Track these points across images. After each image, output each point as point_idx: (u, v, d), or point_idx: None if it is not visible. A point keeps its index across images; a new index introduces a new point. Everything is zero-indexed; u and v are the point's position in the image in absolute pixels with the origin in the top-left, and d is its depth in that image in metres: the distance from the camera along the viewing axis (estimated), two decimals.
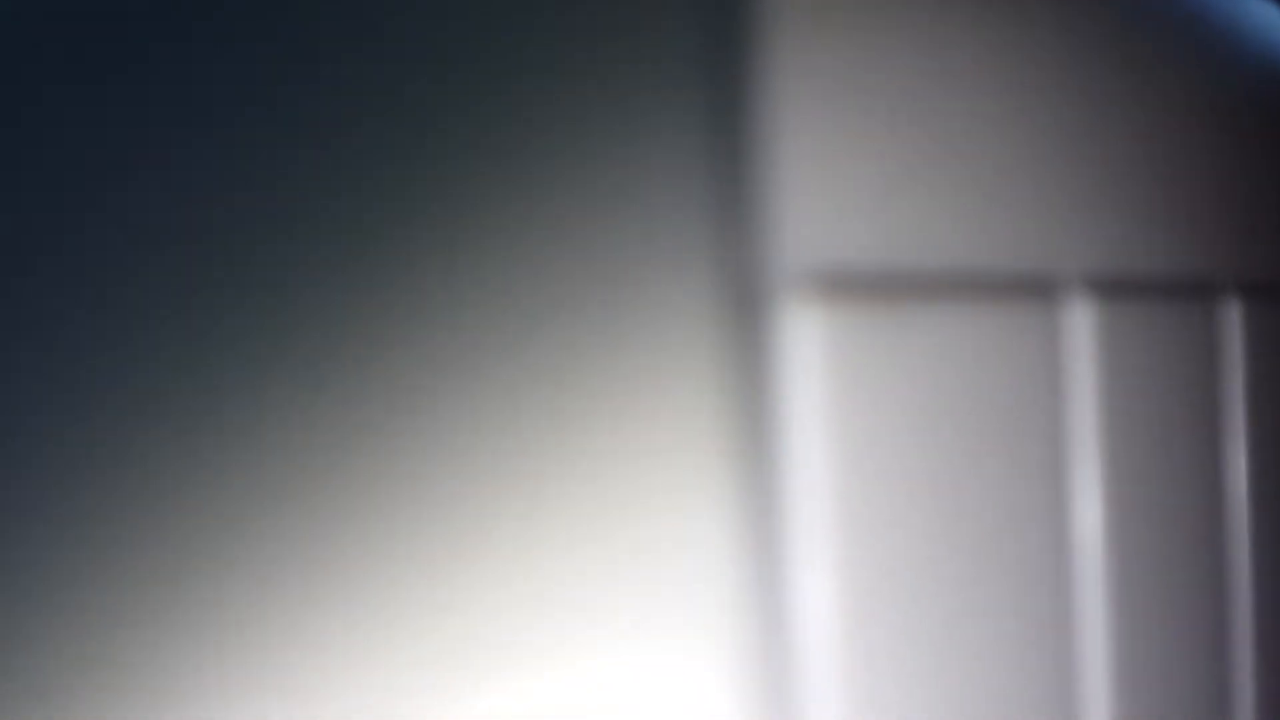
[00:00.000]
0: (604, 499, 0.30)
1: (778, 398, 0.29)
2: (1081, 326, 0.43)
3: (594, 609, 0.30)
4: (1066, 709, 0.42)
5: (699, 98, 0.29)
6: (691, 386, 0.29)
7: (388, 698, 0.30)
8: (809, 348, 0.30)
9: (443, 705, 0.30)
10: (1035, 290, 0.40)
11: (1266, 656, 0.58)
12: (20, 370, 0.31)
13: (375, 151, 0.30)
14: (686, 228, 0.29)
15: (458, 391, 0.30)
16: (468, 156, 0.30)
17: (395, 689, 0.30)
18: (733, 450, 0.29)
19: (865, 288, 0.32)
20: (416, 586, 0.30)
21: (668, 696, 0.29)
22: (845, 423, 0.31)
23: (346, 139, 0.30)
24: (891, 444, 0.33)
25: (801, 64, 0.30)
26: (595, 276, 0.29)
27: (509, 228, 0.30)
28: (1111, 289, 0.45)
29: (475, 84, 0.30)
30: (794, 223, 0.29)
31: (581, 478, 0.30)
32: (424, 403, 0.30)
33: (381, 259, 0.30)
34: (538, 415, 0.30)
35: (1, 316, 0.30)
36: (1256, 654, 0.57)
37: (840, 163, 0.31)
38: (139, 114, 0.30)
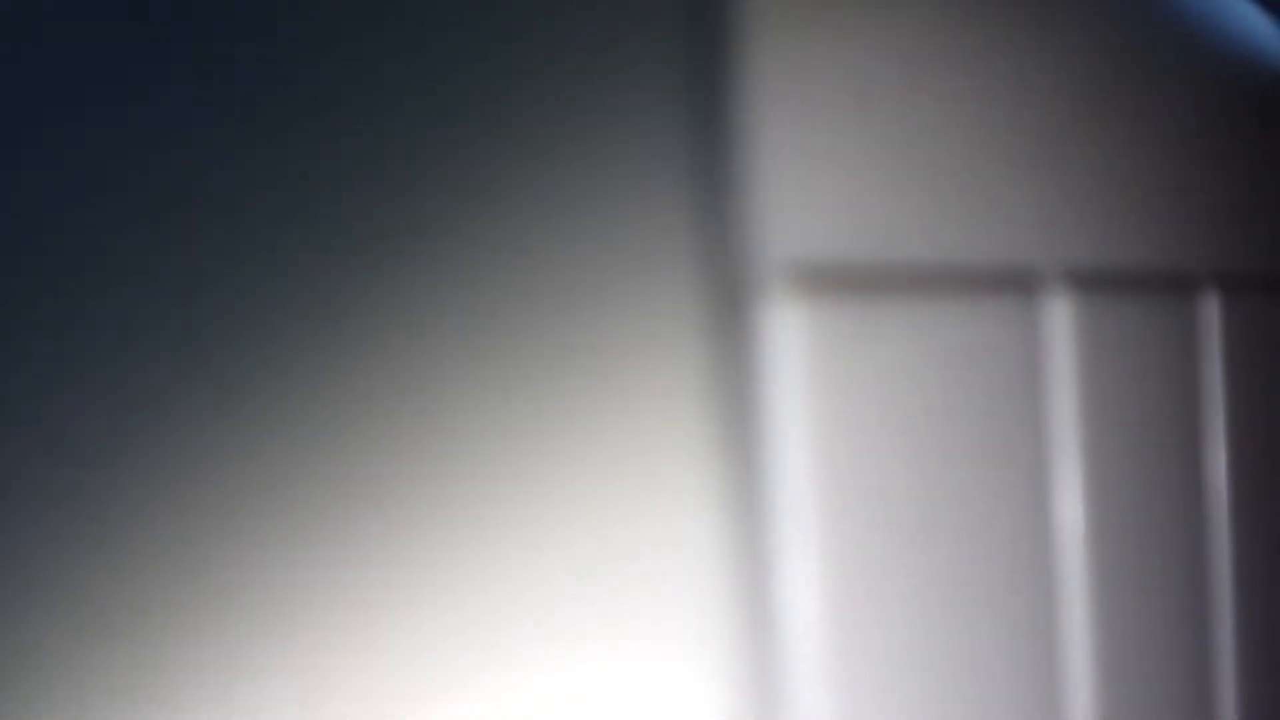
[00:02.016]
0: (586, 496, 0.30)
1: (760, 392, 0.29)
2: (1061, 320, 0.43)
3: (577, 607, 0.30)
4: (1050, 700, 0.42)
5: (679, 93, 0.29)
6: (674, 382, 0.29)
7: (379, 698, 0.30)
8: (791, 342, 0.30)
9: (432, 706, 0.30)
10: (1016, 284, 0.40)
11: (1247, 648, 0.59)
12: (22, 370, 0.31)
13: (365, 151, 0.30)
14: (668, 223, 0.29)
15: (440, 390, 0.30)
16: (448, 154, 0.30)
17: (385, 690, 0.30)
18: (716, 445, 0.29)
19: (848, 282, 0.32)
20: (402, 587, 0.30)
21: (654, 695, 0.29)
22: (828, 416, 0.31)
23: (337, 140, 0.30)
24: (874, 437, 0.33)
25: (781, 59, 0.30)
26: (576, 272, 0.29)
27: (489, 224, 0.30)
28: (1091, 283, 0.45)
29: (455, 79, 0.30)
30: (775, 217, 0.29)
31: (563, 475, 0.30)
32: (409, 403, 0.30)
33: (371, 258, 0.30)
34: (519, 413, 0.30)
35: (5, 316, 0.30)
36: (1237, 645, 0.57)
37: (821, 158, 0.31)
38: (140, 114, 0.30)
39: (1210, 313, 0.56)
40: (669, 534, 0.29)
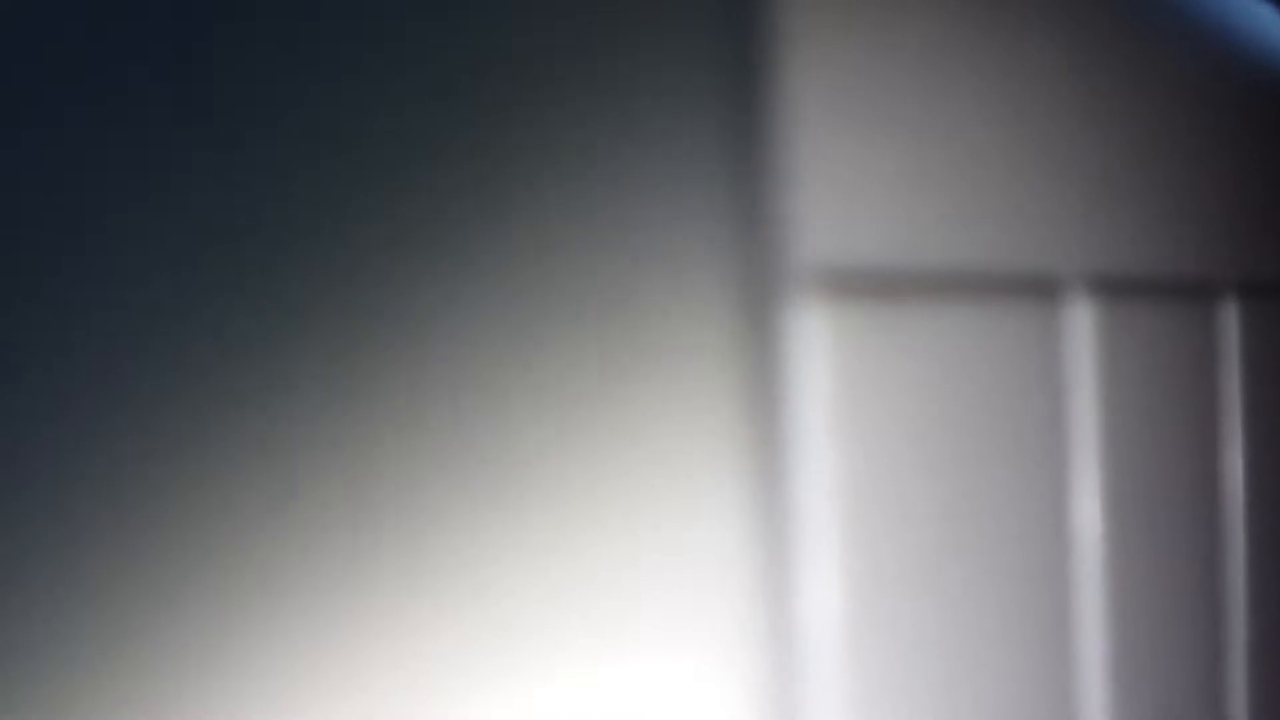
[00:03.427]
0: (609, 498, 0.30)
1: (786, 395, 0.29)
2: (1083, 325, 0.43)
3: (597, 609, 0.30)
4: (1065, 705, 0.42)
5: (710, 95, 0.29)
6: (700, 384, 0.29)
7: (393, 701, 0.30)
8: (818, 345, 0.30)
9: (450, 708, 0.30)
10: (1038, 289, 0.40)
11: (1261, 655, 0.59)
12: (25, 372, 0.31)
13: (390, 151, 0.30)
14: (696, 225, 0.29)
15: (463, 391, 0.30)
16: (474, 154, 0.30)
17: (401, 692, 0.30)
18: (741, 448, 0.29)
19: (873, 286, 0.32)
20: (420, 589, 0.30)
21: (674, 699, 0.29)
22: (853, 420, 0.31)
23: (358, 138, 0.30)
24: (897, 442, 0.33)
25: (812, 63, 0.30)
26: (604, 274, 0.29)
27: (517, 224, 0.30)
28: (1112, 289, 0.45)
29: (484, 78, 0.30)
30: (803, 220, 0.29)
31: (586, 477, 0.30)
32: (430, 404, 0.30)
33: (400, 260, 0.30)
34: (542, 416, 0.30)
35: (8, 318, 0.30)
36: (1252, 653, 0.57)
37: (850, 161, 0.31)
38: (144, 114, 0.30)
39: (1229, 319, 0.56)
40: (691, 537, 0.29)
